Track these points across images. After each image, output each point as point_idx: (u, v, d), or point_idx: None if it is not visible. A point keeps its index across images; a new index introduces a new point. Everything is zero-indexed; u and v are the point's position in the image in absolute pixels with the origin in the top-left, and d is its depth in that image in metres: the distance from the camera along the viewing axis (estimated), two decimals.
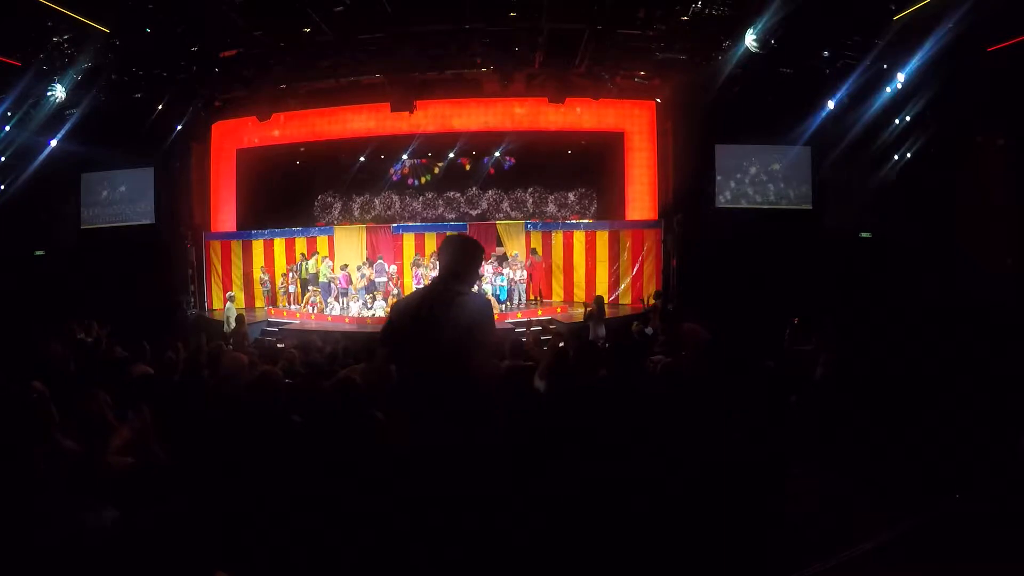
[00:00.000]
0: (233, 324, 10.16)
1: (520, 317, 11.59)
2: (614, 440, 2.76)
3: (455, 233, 4.82)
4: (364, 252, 13.65)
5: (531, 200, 13.89)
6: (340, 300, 12.42)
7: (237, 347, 7.47)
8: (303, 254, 13.31)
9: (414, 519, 2.21)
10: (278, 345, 7.96)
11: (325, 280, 12.64)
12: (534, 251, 13.14)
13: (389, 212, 14.15)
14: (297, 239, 13.73)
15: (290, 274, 13.24)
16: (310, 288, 12.87)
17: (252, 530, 2.23)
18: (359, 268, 12.69)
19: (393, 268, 12.95)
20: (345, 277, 12.51)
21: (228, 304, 11.31)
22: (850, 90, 9.70)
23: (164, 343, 5.51)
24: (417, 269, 12.73)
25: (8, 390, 2.41)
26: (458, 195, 14.06)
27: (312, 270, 12.90)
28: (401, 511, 2.24)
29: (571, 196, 13.82)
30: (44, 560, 1.44)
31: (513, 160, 13.73)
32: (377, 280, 12.55)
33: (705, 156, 11.73)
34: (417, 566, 2.17)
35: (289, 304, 12.97)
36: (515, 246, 13.30)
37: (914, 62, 8.65)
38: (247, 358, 3.91)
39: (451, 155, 13.68)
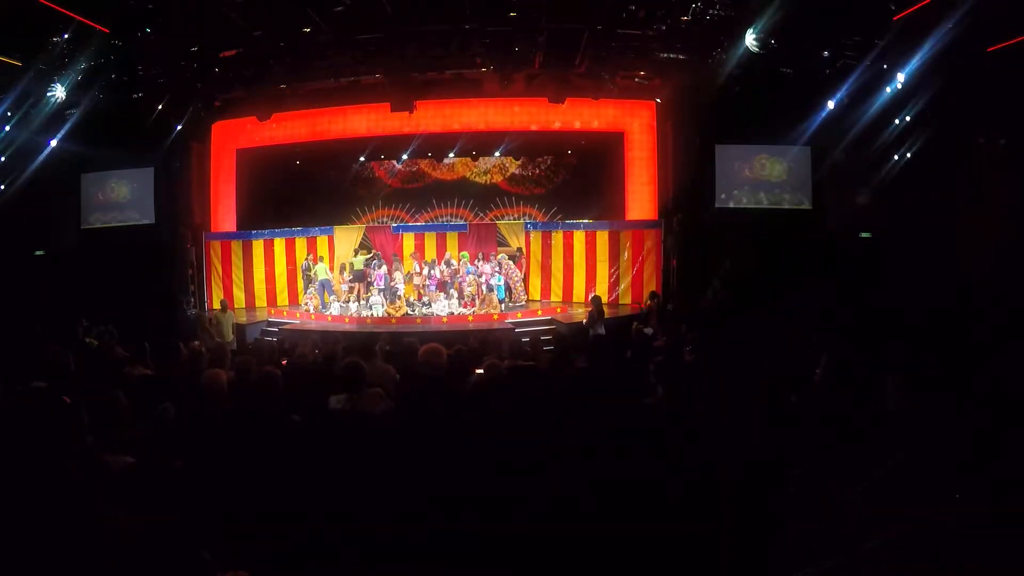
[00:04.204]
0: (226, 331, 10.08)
1: (520, 317, 11.61)
2: (615, 440, 2.77)
3: None
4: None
5: (531, 200, 13.90)
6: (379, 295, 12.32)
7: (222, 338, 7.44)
8: (310, 254, 13.31)
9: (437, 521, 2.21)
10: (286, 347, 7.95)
11: (360, 269, 12.68)
12: (519, 250, 13.24)
13: (389, 212, 14.15)
14: (297, 239, 13.73)
15: (338, 271, 13.10)
16: (309, 289, 12.89)
17: (255, 530, 2.23)
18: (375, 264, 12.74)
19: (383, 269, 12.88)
20: (380, 275, 12.50)
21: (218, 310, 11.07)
22: (850, 90, 9.69)
23: (166, 343, 5.52)
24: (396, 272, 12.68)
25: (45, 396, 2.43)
26: (458, 195, 14.07)
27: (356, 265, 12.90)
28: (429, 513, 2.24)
29: (571, 196, 13.82)
30: (60, 561, 1.45)
31: (521, 161, 13.74)
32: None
33: (705, 156, 11.71)
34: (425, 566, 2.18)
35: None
36: (516, 246, 13.35)
37: (914, 62, 8.64)
38: (227, 375, 3.86)
39: (451, 155, 13.69)
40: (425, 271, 12.72)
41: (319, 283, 12.64)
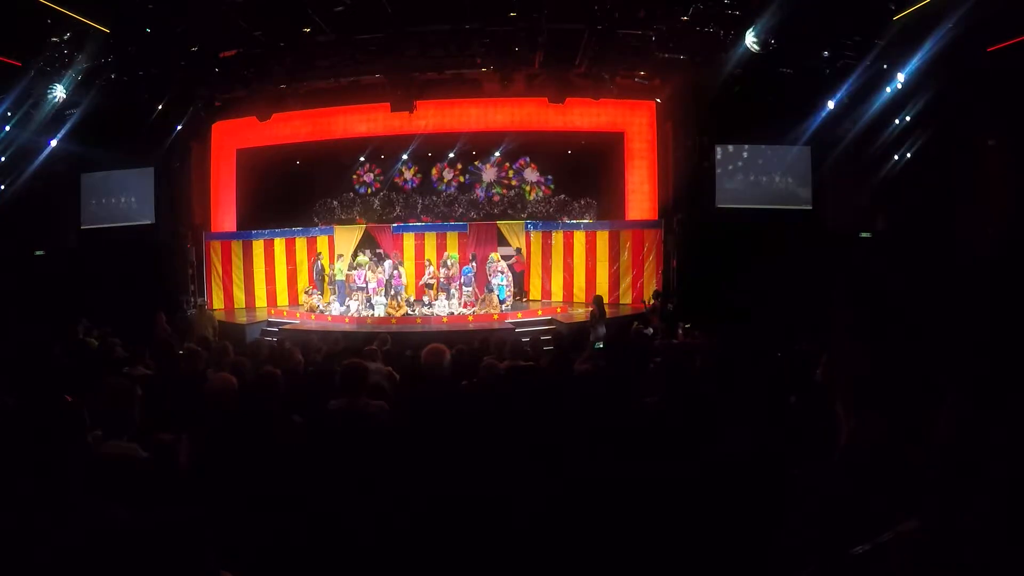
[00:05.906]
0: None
1: (520, 317, 11.60)
2: (614, 439, 2.77)
3: None
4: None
5: (531, 200, 13.87)
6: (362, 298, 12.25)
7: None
8: (320, 254, 13.28)
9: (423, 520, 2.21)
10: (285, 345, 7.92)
11: (364, 269, 12.64)
12: (518, 250, 13.22)
13: (389, 212, 14.12)
14: (297, 239, 13.73)
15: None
16: (308, 288, 12.88)
17: (256, 530, 2.23)
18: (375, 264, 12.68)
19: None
20: (360, 275, 12.47)
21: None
22: (850, 90, 9.69)
23: (166, 343, 5.52)
24: (364, 271, 12.54)
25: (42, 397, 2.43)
26: (458, 195, 14.04)
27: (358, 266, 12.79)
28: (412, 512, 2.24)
29: (571, 196, 13.80)
30: (58, 559, 1.45)
31: (530, 164, 13.68)
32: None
33: (705, 156, 11.72)
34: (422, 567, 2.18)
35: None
36: (516, 246, 13.35)
37: (914, 62, 8.65)
38: (235, 379, 3.87)
39: (451, 155, 13.68)
40: (390, 270, 12.67)
41: (337, 283, 12.62)
